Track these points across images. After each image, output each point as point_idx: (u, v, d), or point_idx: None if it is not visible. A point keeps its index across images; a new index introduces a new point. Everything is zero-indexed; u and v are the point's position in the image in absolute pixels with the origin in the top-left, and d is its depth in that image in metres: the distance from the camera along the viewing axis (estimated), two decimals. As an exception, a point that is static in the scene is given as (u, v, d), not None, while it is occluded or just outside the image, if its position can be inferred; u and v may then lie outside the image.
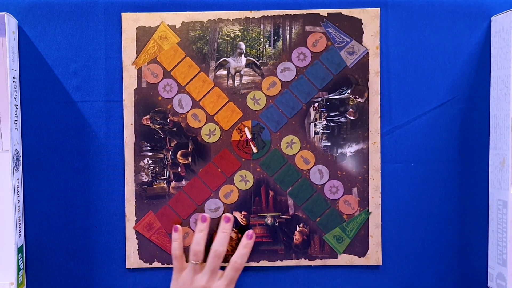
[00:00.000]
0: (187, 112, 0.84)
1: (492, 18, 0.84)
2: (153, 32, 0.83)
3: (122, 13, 0.83)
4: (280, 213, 0.86)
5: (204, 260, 0.83)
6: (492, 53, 0.84)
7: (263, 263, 0.86)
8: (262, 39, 0.84)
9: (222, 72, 0.84)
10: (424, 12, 0.84)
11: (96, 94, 0.84)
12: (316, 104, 0.84)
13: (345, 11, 0.83)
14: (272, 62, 0.84)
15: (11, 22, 0.79)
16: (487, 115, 0.85)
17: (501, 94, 0.82)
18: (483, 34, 0.85)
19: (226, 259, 0.83)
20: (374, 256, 0.86)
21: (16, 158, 0.80)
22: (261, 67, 0.84)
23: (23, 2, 0.83)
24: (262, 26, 0.84)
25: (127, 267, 0.85)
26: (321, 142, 0.85)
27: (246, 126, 0.84)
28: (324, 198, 0.85)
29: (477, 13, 0.85)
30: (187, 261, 0.84)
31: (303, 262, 0.86)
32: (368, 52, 0.84)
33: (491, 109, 0.85)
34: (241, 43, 0.84)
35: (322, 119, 0.85)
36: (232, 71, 0.84)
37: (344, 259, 0.86)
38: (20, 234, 0.81)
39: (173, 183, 0.85)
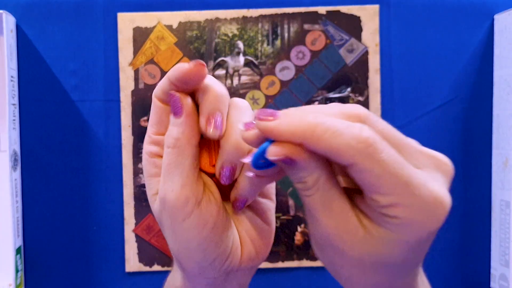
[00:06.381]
0: (186, 112, 0.84)
1: (495, 16, 0.83)
2: (150, 32, 0.83)
3: (118, 13, 0.83)
4: (281, 214, 0.85)
5: None
6: (495, 52, 0.84)
7: (265, 264, 0.85)
8: (260, 38, 0.83)
9: (221, 72, 0.84)
10: (426, 10, 0.84)
11: (95, 94, 0.84)
12: (316, 103, 0.84)
13: (344, 9, 0.83)
14: (270, 61, 0.84)
15: (9, 21, 0.79)
16: (490, 114, 0.84)
17: (504, 93, 0.81)
18: (486, 33, 0.84)
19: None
20: (375, 256, 0.85)
21: (14, 158, 0.80)
22: (260, 67, 0.84)
23: (21, 1, 0.83)
24: (260, 25, 0.83)
25: (126, 270, 0.85)
26: (321, 141, 0.84)
27: None
28: (324, 198, 0.85)
29: (480, 11, 0.84)
30: None
31: (305, 263, 0.85)
32: (367, 50, 0.83)
33: (494, 109, 0.84)
34: (239, 42, 0.83)
35: (322, 118, 0.84)
36: (231, 71, 0.84)
37: (345, 260, 0.85)
38: (18, 235, 0.81)
39: (172, 185, 0.84)
